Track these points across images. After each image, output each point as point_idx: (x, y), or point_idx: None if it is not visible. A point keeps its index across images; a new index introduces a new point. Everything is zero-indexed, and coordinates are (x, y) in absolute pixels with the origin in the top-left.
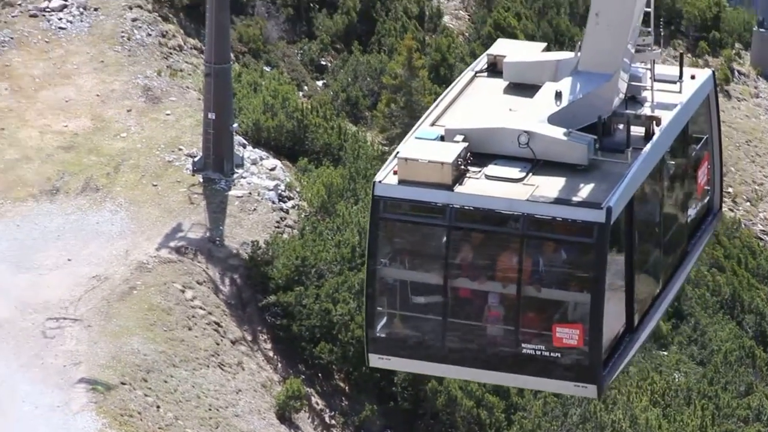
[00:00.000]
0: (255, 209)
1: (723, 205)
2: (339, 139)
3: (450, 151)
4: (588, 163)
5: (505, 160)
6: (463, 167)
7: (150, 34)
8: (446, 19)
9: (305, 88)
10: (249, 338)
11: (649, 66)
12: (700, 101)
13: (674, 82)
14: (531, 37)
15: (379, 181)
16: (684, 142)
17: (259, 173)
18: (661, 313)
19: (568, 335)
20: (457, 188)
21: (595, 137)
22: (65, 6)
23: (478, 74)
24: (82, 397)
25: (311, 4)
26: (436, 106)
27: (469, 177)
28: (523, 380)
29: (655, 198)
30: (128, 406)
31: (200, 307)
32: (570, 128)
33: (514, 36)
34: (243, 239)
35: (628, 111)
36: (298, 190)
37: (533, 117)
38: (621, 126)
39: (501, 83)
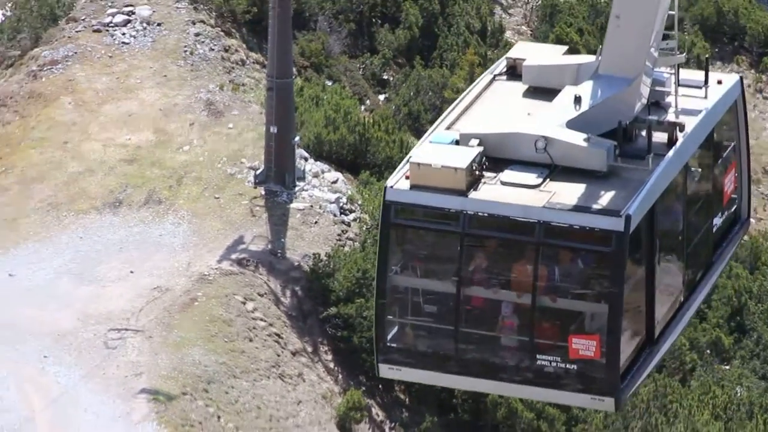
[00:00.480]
0: (316, 222)
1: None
2: (401, 152)
3: (464, 156)
4: (607, 169)
5: (522, 165)
6: (477, 172)
7: (213, 49)
8: (508, 34)
9: (367, 102)
10: (309, 350)
11: (673, 71)
12: (727, 107)
13: (699, 88)
14: (594, 53)
15: (391, 186)
16: (709, 149)
17: (321, 186)
18: (684, 325)
19: (585, 347)
20: (471, 194)
21: (615, 143)
22: (129, 21)
23: (497, 77)
24: (143, 407)
25: (373, 19)
26: (453, 109)
27: (484, 183)
28: (537, 392)
29: (677, 206)
30: (189, 417)
31: (261, 319)
32: (589, 133)
33: (576, 52)
34: (304, 252)
35: (650, 116)
36: (359, 203)
37: (551, 121)
38: (643, 132)
39: (520, 87)
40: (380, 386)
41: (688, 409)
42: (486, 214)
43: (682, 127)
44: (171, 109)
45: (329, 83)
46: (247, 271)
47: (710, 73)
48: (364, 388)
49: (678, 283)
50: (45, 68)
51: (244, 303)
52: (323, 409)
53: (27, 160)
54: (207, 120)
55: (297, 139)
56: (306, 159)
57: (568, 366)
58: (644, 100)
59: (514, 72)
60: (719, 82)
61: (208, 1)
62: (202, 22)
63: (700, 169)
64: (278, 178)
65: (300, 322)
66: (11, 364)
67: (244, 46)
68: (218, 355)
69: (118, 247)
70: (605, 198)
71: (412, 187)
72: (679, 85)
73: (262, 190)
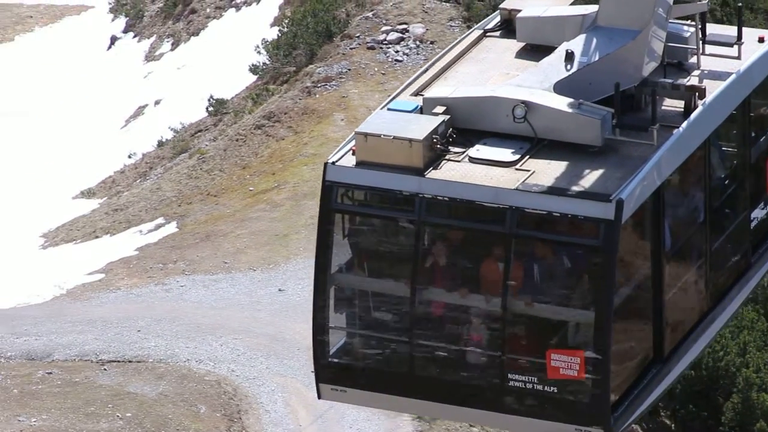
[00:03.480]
0: None
1: None
2: None
3: (424, 126)
4: (602, 144)
5: (498, 139)
6: (440, 146)
7: None
8: None
9: None
10: None
11: (695, 23)
12: None
13: (731, 45)
14: None
15: (332, 163)
16: (745, 123)
17: None
18: (709, 338)
19: (567, 364)
20: (430, 173)
21: (613, 111)
22: (402, 39)
23: (488, 33)
24: (408, 426)
25: None
26: (426, 71)
27: (448, 159)
28: (509, 421)
29: (696, 193)
30: None
31: None
32: (583, 99)
33: None
34: None
35: (663, 80)
36: None
37: (536, 84)
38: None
39: (515, 45)
40: None
41: None
42: (446, 198)
43: (702, 93)
44: None
45: None
46: None
47: (748, 29)
48: None
49: (699, 289)
50: (319, 84)
51: None
52: None
53: (299, 176)
54: None
55: None
56: None
57: (546, 388)
58: (657, 59)
59: (509, 26)
60: (761, 40)
61: (481, 19)
62: None
63: (731, 148)
64: None
65: None
66: (279, 378)
67: None
68: None
69: None
70: (596, 179)
71: (359, 163)
72: (704, 42)
73: None
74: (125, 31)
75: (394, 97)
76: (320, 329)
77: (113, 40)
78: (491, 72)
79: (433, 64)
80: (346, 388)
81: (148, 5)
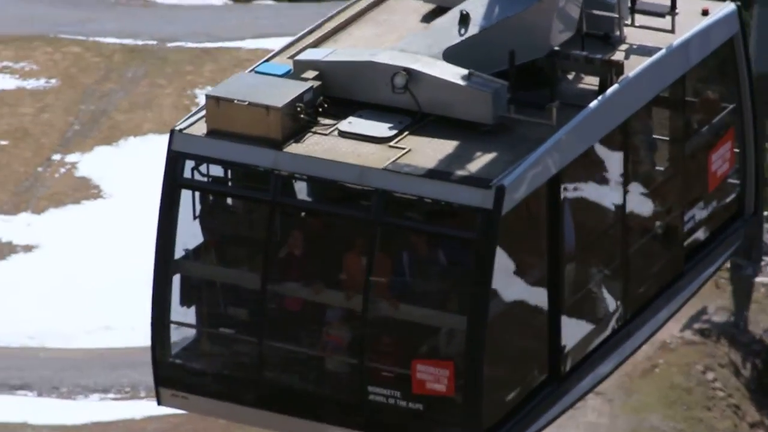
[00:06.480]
0: None
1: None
2: None
3: (286, 92)
4: (493, 121)
5: (376, 111)
6: (304, 116)
7: None
8: None
9: None
10: None
11: None
12: (712, 49)
13: (662, 16)
14: None
15: (179, 130)
16: (680, 108)
17: None
18: (622, 357)
19: (434, 377)
20: (289, 147)
21: (507, 84)
22: None
23: None
24: None
25: None
26: (311, 31)
27: (314, 132)
28: None
29: (611, 183)
30: None
31: (720, 389)
32: (478, 70)
33: None
34: (766, 326)
35: (577, 52)
36: None
37: (423, 49)
38: (570, 75)
39: (423, 6)
40: None
41: None
42: (305, 176)
43: (619, 69)
44: None
45: None
46: (708, 341)
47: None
48: None
49: (610, 297)
50: None
51: (704, 372)
52: None
53: None
54: None
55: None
56: None
57: (410, 405)
58: (571, 27)
59: None
60: (705, 13)
61: None
62: None
63: (664, 136)
64: (744, 252)
65: (759, 395)
66: None
67: None
68: (676, 422)
69: None
70: (480, 162)
71: (210, 132)
72: (633, 11)
73: (728, 263)
74: None
75: (267, 59)
76: (159, 324)
77: None
78: (389, 36)
79: (323, 23)
80: (188, 394)
81: None
